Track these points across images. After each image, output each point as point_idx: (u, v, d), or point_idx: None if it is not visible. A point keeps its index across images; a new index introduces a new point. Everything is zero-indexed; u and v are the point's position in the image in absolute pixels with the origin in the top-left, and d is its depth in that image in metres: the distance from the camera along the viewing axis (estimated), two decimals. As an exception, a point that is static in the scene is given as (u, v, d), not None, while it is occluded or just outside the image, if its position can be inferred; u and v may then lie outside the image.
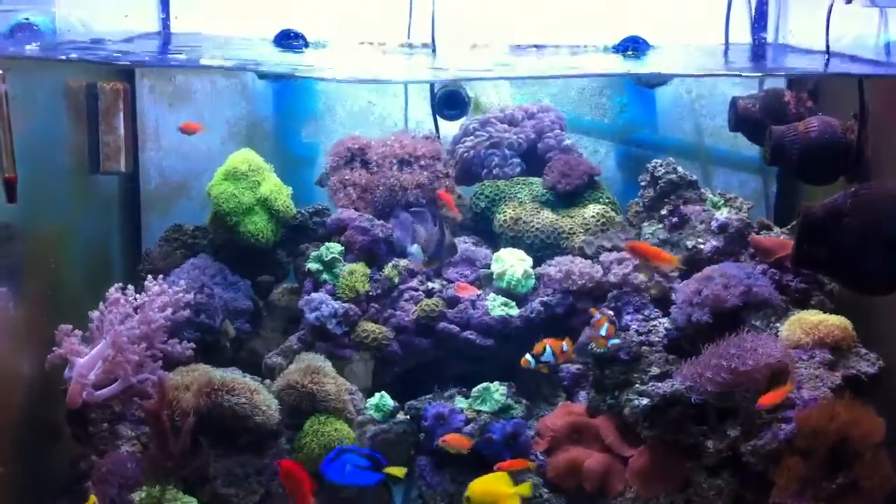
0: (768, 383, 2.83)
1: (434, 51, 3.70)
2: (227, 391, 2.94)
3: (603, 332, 3.02)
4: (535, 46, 3.84)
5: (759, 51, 3.82)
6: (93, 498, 2.73)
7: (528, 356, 2.99)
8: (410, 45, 3.77)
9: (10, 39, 3.05)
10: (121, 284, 3.10)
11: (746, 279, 3.07)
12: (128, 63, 3.72)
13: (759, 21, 3.86)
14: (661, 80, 3.94)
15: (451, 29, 3.72)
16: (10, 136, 2.64)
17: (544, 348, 2.97)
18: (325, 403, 3.05)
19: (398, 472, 2.88)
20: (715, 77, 3.98)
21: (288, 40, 3.68)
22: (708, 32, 3.85)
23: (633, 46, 3.72)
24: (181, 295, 3.10)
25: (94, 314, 3.03)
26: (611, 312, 3.14)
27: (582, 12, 3.77)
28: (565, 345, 3.01)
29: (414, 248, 3.10)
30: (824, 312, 3.09)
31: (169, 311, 3.04)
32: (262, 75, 3.95)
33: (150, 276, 3.14)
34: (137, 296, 3.06)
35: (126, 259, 3.91)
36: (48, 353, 2.96)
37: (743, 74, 3.93)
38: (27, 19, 3.12)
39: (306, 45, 3.68)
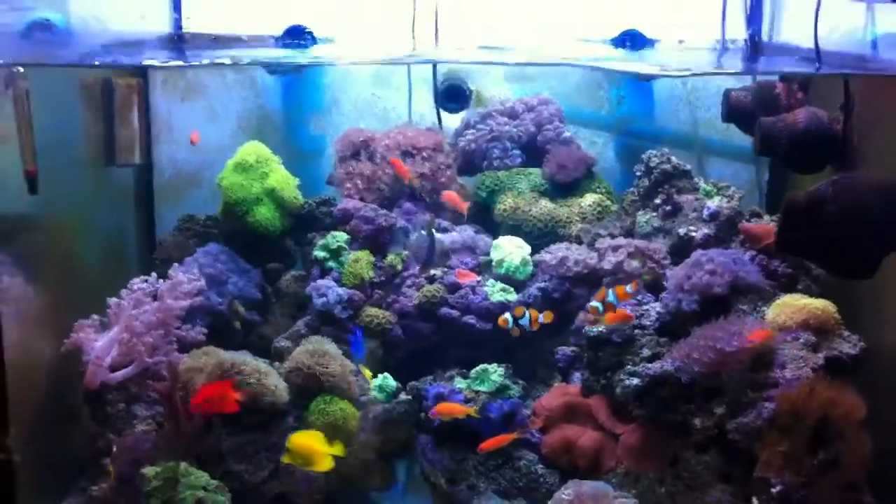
0: (752, 363, 2.91)
1: (437, 40, 3.76)
2: (238, 373, 3.04)
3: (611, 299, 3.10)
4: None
5: (753, 46, 3.88)
6: (112, 471, 2.87)
7: (507, 315, 3.13)
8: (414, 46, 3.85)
9: (29, 39, 3.08)
10: (144, 277, 3.22)
11: (734, 265, 3.14)
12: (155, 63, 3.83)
13: (753, 16, 3.92)
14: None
15: (455, 29, 3.78)
16: (31, 131, 2.77)
17: (524, 313, 3.10)
18: (330, 384, 3.14)
19: (367, 373, 3.07)
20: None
21: (296, 36, 3.79)
22: (705, 27, 3.91)
23: (631, 40, 3.81)
24: (195, 283, 3.23)
25: (112, 301, 3.15)
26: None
27: (582, 8, 3.84)
28: (542, 317, 3.12)
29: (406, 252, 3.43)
30: (810, 296, 3.14)
31: (186, 299, 3.17)
32: (272, 70, 4.05)
33: (174, 266, 3.25)
34: (158, 282, 3.19)
35: (140, 247, 4.01)
36: (66, 338, 3.07)
37: (718, 72, 4.01)
38: (47, 20, 3.13)
39: (314, 41, 3.77)
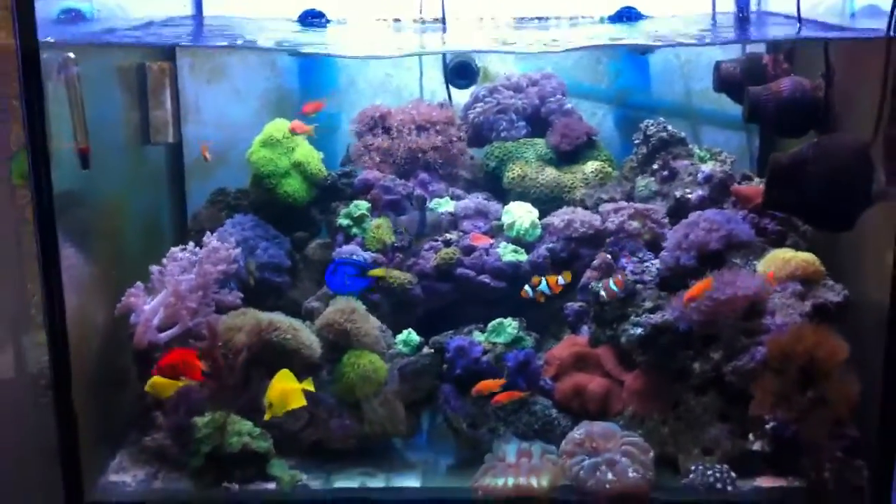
0: (745, 312, 3.11)
1: (444, 24, 3.97)
2: (274, 330, 3.23)
3: (613, 287, 3.30)
4: (538, 18, 4.08)
5: (742, 17, 4.03)
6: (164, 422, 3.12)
7: (526, 287, 3.32)
8: (423, 21, 4.02)
9: (73, 26, 3.21)
10: (183, 246, 3.43)
11: (727, 224, 3.33)
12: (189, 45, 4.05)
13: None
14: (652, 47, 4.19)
15: (460, 3, 3.99)
16: (83, 111, 2.94)
17: (540, 281, 3.31)
18: (359, 339, 3.30)
19: (380, 272, 3.29)
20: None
21: (311, 19, 4.00)
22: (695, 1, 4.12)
23: (627, 16, 4.00)
24: (231, 250, 3.44)
25: (155, 268, 3.37)
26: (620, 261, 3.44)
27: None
28: (561, 279, 3.32)
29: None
30: (797, 251, 3.33)
31: (222, 265, 3.40)
32: (290, 52, 4.20)
33: (207, 234, 3.43)
34: (197, 250, 3.40)
35: (174, 221, 4.17)
36: (115, 304, 3.28)
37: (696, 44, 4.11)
38: (77, 9, 3.26)
39: (328, 22, 3.97)
